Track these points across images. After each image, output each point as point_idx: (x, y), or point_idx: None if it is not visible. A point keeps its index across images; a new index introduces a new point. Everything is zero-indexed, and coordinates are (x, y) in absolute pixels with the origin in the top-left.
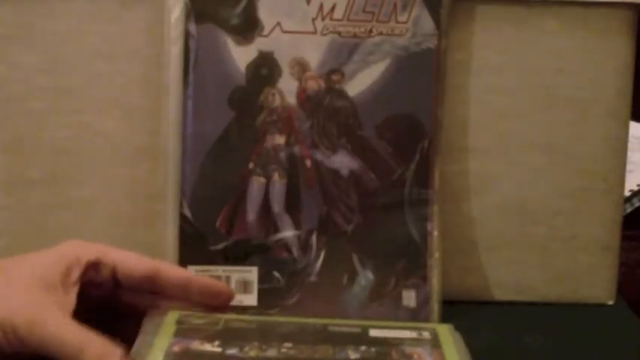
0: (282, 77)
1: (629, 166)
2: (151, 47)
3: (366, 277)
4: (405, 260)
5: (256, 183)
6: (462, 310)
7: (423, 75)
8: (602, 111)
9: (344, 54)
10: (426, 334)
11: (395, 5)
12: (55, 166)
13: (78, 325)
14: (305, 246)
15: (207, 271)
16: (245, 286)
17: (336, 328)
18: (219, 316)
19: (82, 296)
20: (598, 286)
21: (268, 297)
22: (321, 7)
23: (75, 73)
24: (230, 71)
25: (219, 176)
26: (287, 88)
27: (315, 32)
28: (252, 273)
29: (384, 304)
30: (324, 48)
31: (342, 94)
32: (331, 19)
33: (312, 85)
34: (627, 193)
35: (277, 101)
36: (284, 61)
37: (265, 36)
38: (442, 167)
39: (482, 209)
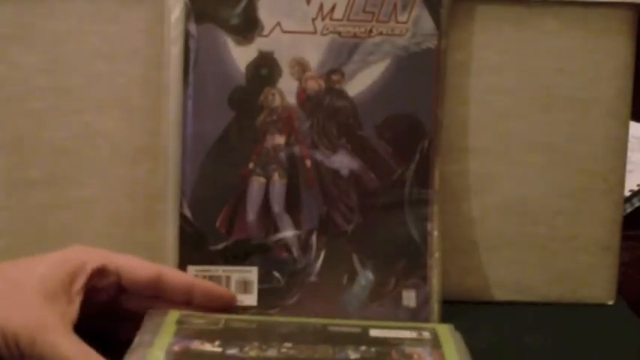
0: (282, 77)
1: (629, 166)
2: (151, 47)
3: (366, 277)
4: (405, 260)
5: (256, 183)
6: (462, 310)
7: (423, 75)
8: (602, 111)
9: (344, 54)
10: (426, 334)
11: (395, 5)
12: (55, 166)
13: (78, 341)
14: (305, 246)
15: (207, 271)
16: (245, 286)
17: (336, 328)
18: (219, 316)
19: (84, 301)
20: (598, 286)
21: (268, 297)
22: (321, 7)
23: (75, 73)
24: (230, 71)
25: (219, 176)
26: (287, 88)
27: (315, 32)
28: (252, 273)
29: (384, 304)
30: (324, 48)
31: (342, 94)
32: (331, 19)
33: (312, 85)
34: (627, 193)
35: (277, 101)
36: (284, 61)
37: (265, 36)
38: (442, 167)
39: (482, 209)
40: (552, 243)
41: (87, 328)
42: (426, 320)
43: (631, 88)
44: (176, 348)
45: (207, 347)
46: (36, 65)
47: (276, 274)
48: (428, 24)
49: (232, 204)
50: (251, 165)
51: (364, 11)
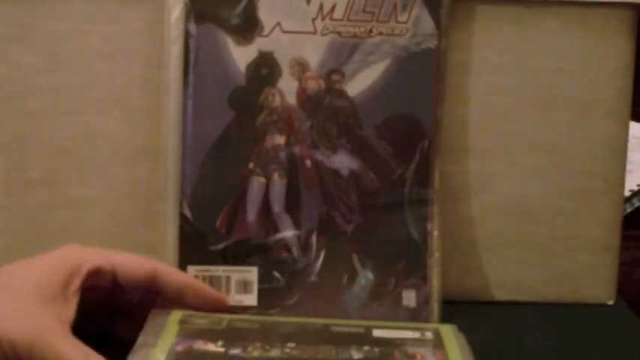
0: (282, 77)
1: (629, 166)
2: (151, 47)
3: (366, 277)
4: (405, 260)
5: (256, 183)
6: (462, 310)
7: (423, 75)
8: (602, 111)
9: (344, 54)
10: (429, 335)
11: (395, 5)
12: (55, 166)
13: (77, 342)
14: (305, 246)
15: (207, 271)
16: (245, 286)
17: (339, 329)
18: (222, 316)
19: (81, 300)
20: (598, 286)
21: (268, 297)
22: (321, 7)
23: (75, 73)
24: (230, 71)
25: (219, 176)
26: (287, 88)
27: (315, 32)
28: (252, 273)
29: (384, 304)
30: (324, 48)
31: (342, 94)
32: (331, 19)
33: (312, 85)
34: (627, 193)
35: (277, 101)
36: (284, 61)
37: (265, 36)
38: (442, 167)
39: (482, 209)
40: (552, 243)
41: (84, 327)
42: (426, 320)
43: (631, 88)
44: (179, 348)
45: (210, 347)
46: (36, 65)
47: (276, 274)
48: (428, 24)
49: (232, 204)
50: (251, 165)
51: (364, 11)
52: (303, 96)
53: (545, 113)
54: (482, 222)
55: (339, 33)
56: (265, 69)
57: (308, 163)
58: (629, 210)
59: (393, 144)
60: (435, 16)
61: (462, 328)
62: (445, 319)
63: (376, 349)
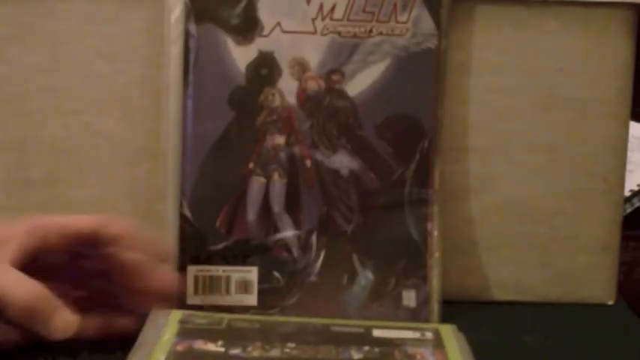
0: (282, 77)
1: (629, 166)
2: (151, 47)
3: (366, 277)
4: (405, 260)
5: (256, 183)
6: (462, 310)
7: (423, 75)
8: (602, 111)
9: (344, 54)
10: (429, 335)
11: (395, 5)
12: (55, 166)
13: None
14: (305, 246)
15: (208, 271)
16: (245, 286)
17: (339, 329)
18: (222, 315)
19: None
20: (598, 286)
21: (268, 297)
22: (321, 7)
23: (75, 73)
24: (230, 71)
25: (219, 176)
26: (287, 88)
27: (315, 32)
28: (252, 273)
29: (384, 304)
30: (324, 48)
31: (342, 94)
32: (331, 19)
33: (312, 85)
34: (627, 193)
35: (277, 101)
36: (284, 61)
37: (265, 36)
38: (442, 167)
39: (482, 209)
40: (552, 243)
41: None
42: (426, 320)
43: (631, 88)
44: (179, 348)
45: (210, 347)
46: (36, 65)
47: (276, 274)
48: (428, 24)
49: (232, 204)
50: (251, 165)
51: (364, 11)
52: (303, 96)
53: (545, 113)
54: (482, 222)
55: (339, 33)
56: (265, 69)
57: (308, 163)
58: (629, 210)
59: (393, 144)
60: (435, 16)
61: (462, 328)
62: (445, 319)
63: (376, 349)
